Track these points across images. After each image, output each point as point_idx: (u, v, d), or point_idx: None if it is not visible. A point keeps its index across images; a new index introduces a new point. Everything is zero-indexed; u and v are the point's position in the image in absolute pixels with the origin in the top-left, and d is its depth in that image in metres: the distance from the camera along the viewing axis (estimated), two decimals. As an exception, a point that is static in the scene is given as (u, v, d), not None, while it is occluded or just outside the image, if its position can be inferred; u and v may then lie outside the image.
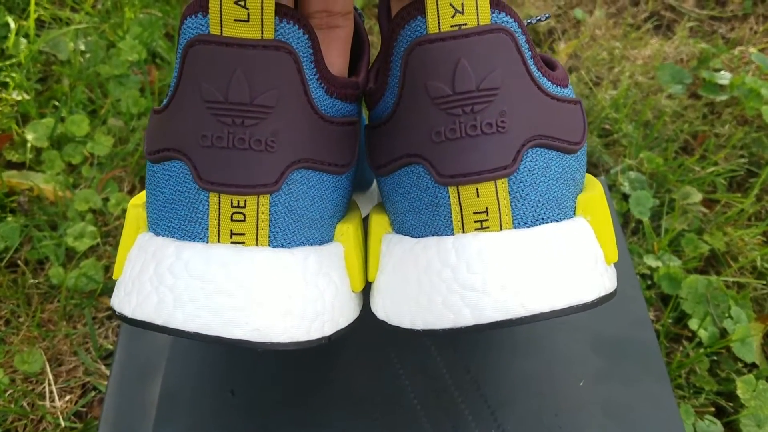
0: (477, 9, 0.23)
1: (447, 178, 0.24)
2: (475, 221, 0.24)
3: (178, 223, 0.25)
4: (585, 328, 0.45)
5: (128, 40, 0.78)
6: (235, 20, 0.23)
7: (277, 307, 0.24)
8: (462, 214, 0.24)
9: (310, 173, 0.25)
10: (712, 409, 0.57)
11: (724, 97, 0.82)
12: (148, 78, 0.76)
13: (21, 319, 0.59)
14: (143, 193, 0.30)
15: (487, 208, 0.24)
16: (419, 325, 0.24)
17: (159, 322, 0.24)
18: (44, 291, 0.61)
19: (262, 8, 0.23)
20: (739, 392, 0.56)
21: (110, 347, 0.58)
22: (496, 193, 0.23)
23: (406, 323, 0.25)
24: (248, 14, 0.23)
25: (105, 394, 0.40)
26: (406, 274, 0.25)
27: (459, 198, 0.24)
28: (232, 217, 0.24)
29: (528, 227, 0.24)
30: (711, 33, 0.95)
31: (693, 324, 0.60)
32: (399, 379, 0.41)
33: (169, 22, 0.85)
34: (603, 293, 0.25)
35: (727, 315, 0.61)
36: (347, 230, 0.27)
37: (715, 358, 0.59)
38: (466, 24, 0.23)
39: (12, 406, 0.54)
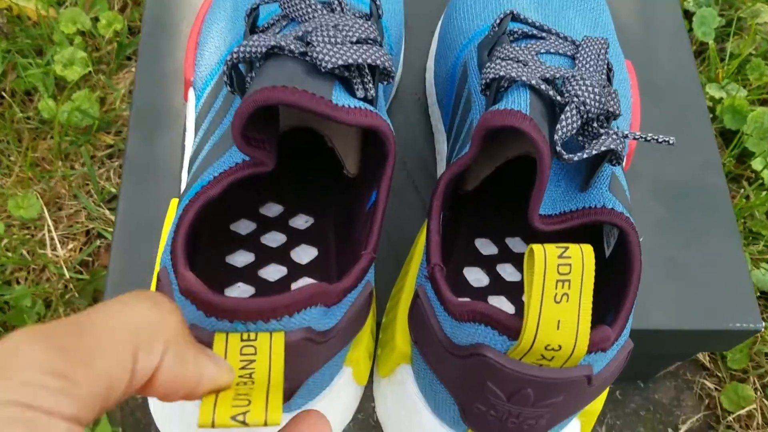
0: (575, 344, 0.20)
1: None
2: None
3: None
4: (643, 173, 0.40)
5: None
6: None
7: None
8: None
9: None
10: (771, 255, 0.52)
11: None
12: None
13: (12, 158, 0.54)
14: None
15: None
16: None
17: None
18: (35, 126, 0.55)
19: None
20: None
21: (113, 190, 0.53)
22: None
23: None
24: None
25: (111, 243, 0.36)
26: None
27: None
28: None
29: None
30: None
31: (757, 164, 0.54)
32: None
33: None
34: None
35: (794, 154, 0.54)
36: (357, 358, 0.27)
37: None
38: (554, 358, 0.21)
39: (10, 255, 0.50)
